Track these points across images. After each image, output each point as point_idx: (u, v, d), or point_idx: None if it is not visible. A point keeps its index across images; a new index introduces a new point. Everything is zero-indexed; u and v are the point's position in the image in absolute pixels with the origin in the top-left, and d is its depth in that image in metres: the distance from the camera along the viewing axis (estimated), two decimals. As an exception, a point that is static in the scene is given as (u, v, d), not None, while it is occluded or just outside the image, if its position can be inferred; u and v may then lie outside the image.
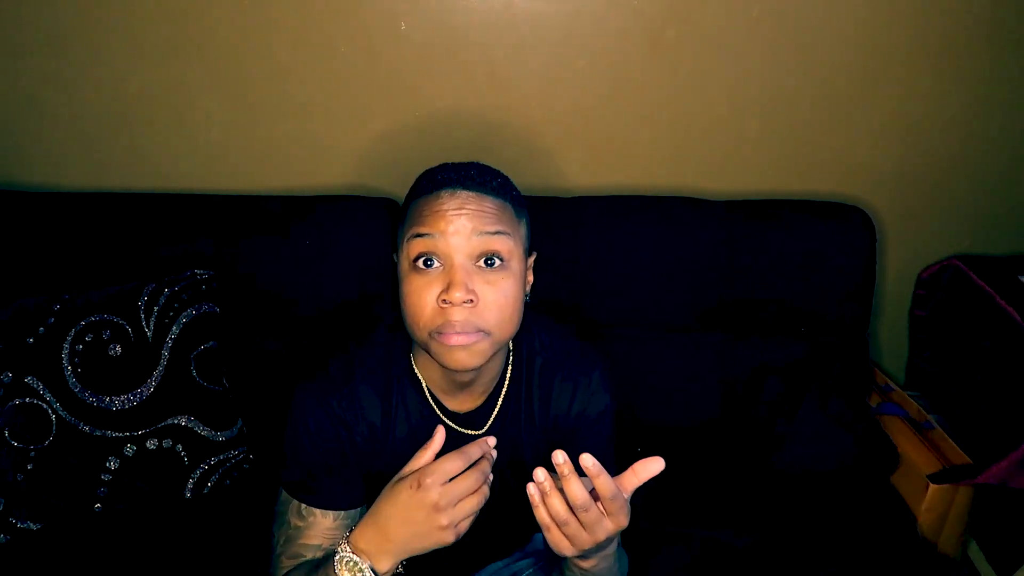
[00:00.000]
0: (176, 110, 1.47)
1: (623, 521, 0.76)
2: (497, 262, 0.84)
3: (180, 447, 1.26)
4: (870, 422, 1.44)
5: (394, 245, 0.91)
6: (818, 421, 1.39)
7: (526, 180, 1.53)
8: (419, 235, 0.83)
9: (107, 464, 1.23)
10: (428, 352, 0.87)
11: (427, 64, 1.45)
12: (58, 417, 1.21)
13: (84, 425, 1.22)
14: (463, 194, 0.84)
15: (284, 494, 0.95)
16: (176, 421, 1.26)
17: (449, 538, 0.79)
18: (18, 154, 1.51)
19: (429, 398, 0.97)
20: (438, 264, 0.83)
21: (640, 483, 0.76)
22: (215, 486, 1.29)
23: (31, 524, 1.21)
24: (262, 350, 1.40)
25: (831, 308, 1.44)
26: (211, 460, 1.28)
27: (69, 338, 1.23)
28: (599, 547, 0.79)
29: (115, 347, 1.24)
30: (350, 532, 0.82)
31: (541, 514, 0.75)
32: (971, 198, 1.58)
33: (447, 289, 0.81)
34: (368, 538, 0.80)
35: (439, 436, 0.83)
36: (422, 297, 0.83)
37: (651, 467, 0.75)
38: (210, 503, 1.28)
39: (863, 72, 1.46)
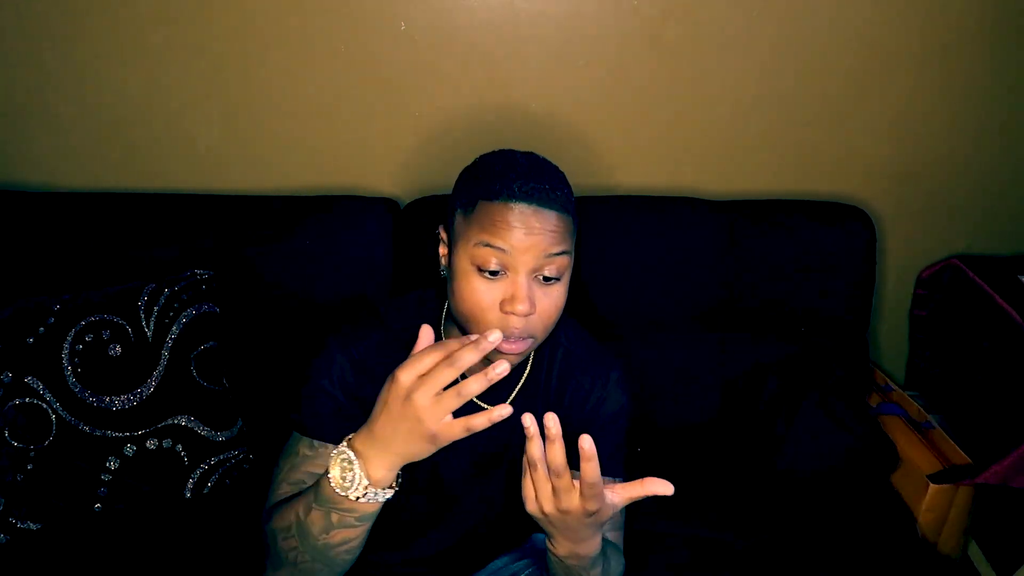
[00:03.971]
0: (176, 110, 1.47)
1: (591, 507, 0.77)
2: (555, 278, 0.88)
3: (180, 447, 1.26)
4: (870, 422, 1.43)
5: (446, 223, 0.92)
6: (818, 421, 1.39)
7: (526, 180, 1.55)
8: (489, 244, 0.85)
9: (107, 464, 1.23)
10: None
11: (427, 64, 1.45)
12: (58, 417, 1.21)
13: (84, 425, 1.22)
14: (536, 212, 0.85)
15: (295, 435, 0.96)
16: (176, 421, 1.26)
17: (432, 448, 0.78)
18: (18, 154, 1.50)
19: None
20: (502, 273, 0.86)
21: (641, 496, 0.78)
22: (215, 486, 1.29)
23: (31, 524, 1.21)
24: (262, 350, 1.40)
25: (831, 308, 1.44)
26: (211, 460, 1.28)
27: (69, 338, 1.23)
28: (573, 538, 0.82)
29: (115, 347, 1.24)
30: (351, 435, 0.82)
31: (531, 449, 0.77)
32: (971, 198, 1.58)
33: (511, 300, 0.85)
34: (363, 440, 0.80)
35: (425, 336, 0.81)
36: (484, 300, 0.87)
37: (659, 488, 0.76)
38: (210, 503, 1.28)
39: (863, 72, 1.46)
